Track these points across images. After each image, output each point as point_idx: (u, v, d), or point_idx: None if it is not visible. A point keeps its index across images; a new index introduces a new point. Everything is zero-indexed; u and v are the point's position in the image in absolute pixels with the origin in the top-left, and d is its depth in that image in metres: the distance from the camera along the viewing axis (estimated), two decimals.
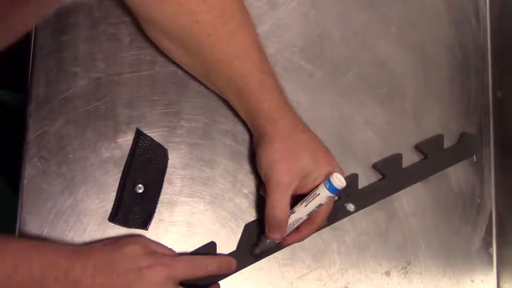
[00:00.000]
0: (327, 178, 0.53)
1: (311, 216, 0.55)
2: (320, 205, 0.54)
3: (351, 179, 0.63)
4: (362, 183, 0.64)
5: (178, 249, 0.59)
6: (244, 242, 0.60)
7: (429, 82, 0.67)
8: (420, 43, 0.68)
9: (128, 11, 0.61)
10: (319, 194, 0.53)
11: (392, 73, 0.67)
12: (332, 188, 0.53)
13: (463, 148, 0.66)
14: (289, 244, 0.59)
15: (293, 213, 0.55)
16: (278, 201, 0.54)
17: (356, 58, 0.66)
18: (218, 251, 0.60)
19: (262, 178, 0.56)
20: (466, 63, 0.69)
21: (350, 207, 0.62)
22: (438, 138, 0.66)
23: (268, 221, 0.55)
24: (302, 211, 0.55)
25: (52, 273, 0.48)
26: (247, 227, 0.60)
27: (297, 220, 0.55)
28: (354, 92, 0.66)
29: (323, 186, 0.53)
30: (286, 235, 0.57)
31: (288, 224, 0.55)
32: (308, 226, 0.57)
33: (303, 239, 0.59)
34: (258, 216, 0.61)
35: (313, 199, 0.54)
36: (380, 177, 0.64)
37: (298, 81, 0.64)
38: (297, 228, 0.57)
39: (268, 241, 0.57)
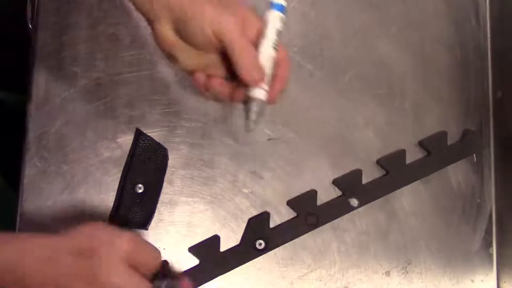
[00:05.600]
0: (270, 3, 0.50)
1: (277, 51, 0.51)
2: (279, 31, 0.51)
3: (355, 175, 0.63)
4: (364, 182, 0.64)
5: (178, 249, 0.59)
6: (248, 236, 0.60)
7: (429, 82, 0.67)
8: (420, 43, 0.68)
9: (128, 11, 0.61)
10: (269, 20, 0.50)
11: (392, 73, 0.67)
12: (277, 6, 0.50)
13: (466, 145, 0.67)
14: (275, 99, 0.52)
15: (260, 53, 0.50)
16: (239, 42, 0.48)
17: (356, 58, 0.66)
18: None
19: (206, 42, 0.49)
20: (466, 63, 0.69)
21: (354, 202, 0.62)
22: (442, 135, 0.66)
23: (239, 66, 0.49)
24: (265, 45, 0.50)
25: (28, 256, 0.46)
26: (251, 221, 0.60)
27: (268, 58, 0.51)
28: (354, 92, 0.66)
29: (270, 12, 0.50)
30: (270, 88, 0.51)
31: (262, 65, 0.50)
32: (283, 64, 0.52)
33: (286, 83, 0.52)
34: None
35: (267, 29, 0.50)
36: (382, 174, 0.64)
37: (298, 81, 0.64)
38: (274, 78, 0.51)
39: (255, 102, 0.50)
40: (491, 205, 0.67)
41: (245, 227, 0.61)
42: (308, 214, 0.61)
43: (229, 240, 0.60)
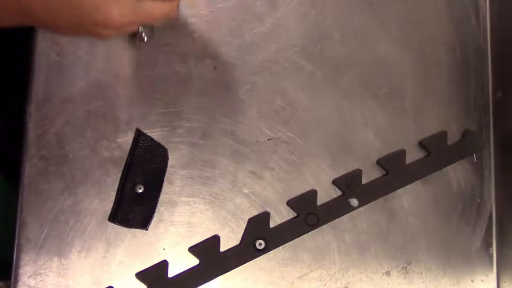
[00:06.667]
0: None
1: None
2: None
3: (355, 175, 0.63)
4: (364, 182, 0.64)
5: (178, 249, 0.59)
6: (248, 236, 0.60)
7: (429, 82, 0.67)
8: (420, 43, 0.68)
9: None
10: None
11: (392, 73, 0.67)
12: None
13: (466, 145, 0.67)
14: None
15: None
16: None
17: (356, 58, 0.66)
18: None
19: None
20: (466, 63, 0.69)
21: (354, 202, 0.62)
22: (442, 135, 0.66)
23: None
24: None
25: None
26: (251, 221, 0.61)
27: None
28: (354, 92, 0.66)
29: None
30: None
31: None
32: None
33: None
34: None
35: None
36: (382, 174, 0.65)
37: (298, 81, 0.64)
38: None
39: None
40: (491, 205, 0.67)
41: (245, 227, 0.61)
42: (308, 214, 0.61)
43: (229, 240, 0.60)
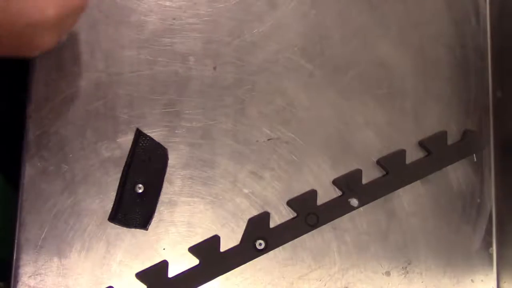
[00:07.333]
0: None
1: None
2: None
3: (355, 175, 0.63)
4: (364, 182, 0.64)
5: (178, 249, 0.59)
6: (248, 236, 0.60)
7: (429, 82, 0.68)
8: (420, 43, 0.68)
9: (128, 11, 0.61)
10: None
11: (392, 73, 0.67)
12: None
13: (466, 145, 0.67)
14: None
15: None
16: None
17: (356, 58, 0.66)
18: None
19: None
20: (466, 63, 0.69)
21: (354, 202, 0.62)
22: (442, 135, 0.66)
23: None
24: None
25: None
26: (251, 221, 0.60)
27: None
28: (354, 92, 0.66)
29: None
30: None
31: None
32: None
33: None
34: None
35: None
36: (382, 174, 0.64)
37: (298, 81, 0.64)
38: None
39: None
40: (491, 205, 0.67)
41: (245, 227, 0.61)
42: (308, 214, 0.61)
43: (229, 240, 0.60)
